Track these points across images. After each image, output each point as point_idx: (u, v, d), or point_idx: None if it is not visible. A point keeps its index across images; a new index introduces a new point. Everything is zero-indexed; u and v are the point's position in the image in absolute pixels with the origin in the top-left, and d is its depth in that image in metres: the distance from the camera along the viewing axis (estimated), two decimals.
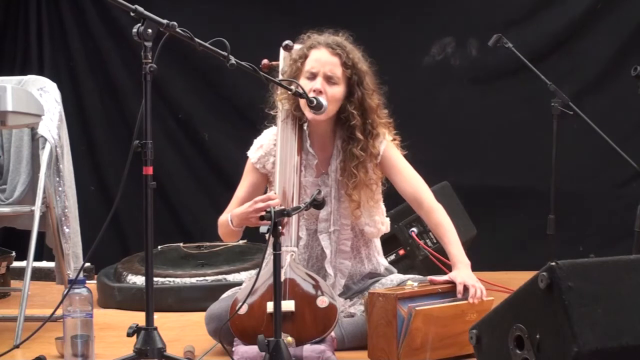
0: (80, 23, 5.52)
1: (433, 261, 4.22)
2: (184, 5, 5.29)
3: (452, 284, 3.18)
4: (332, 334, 3.11)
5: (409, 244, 4.33)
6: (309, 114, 3.30)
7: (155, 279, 3.85)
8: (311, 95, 3.23)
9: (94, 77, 5.54)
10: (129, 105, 5.43)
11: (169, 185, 5.43)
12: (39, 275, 4.93)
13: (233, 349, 3.06)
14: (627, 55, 5.15)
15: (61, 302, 3.06)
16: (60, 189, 3.87)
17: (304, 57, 3.33)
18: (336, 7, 5.18)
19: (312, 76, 3.30)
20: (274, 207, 2.81)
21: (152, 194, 2.73)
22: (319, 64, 3.30)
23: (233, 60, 2.85)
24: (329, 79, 3.29)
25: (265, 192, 3.41)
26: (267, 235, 2.77)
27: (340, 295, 3.38)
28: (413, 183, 3.40)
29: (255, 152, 3.44)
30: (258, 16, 5.40)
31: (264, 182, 3.46)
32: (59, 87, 3.96)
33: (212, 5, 5.43)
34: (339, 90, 3.31)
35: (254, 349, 2.90)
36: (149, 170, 2.73)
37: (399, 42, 5.28)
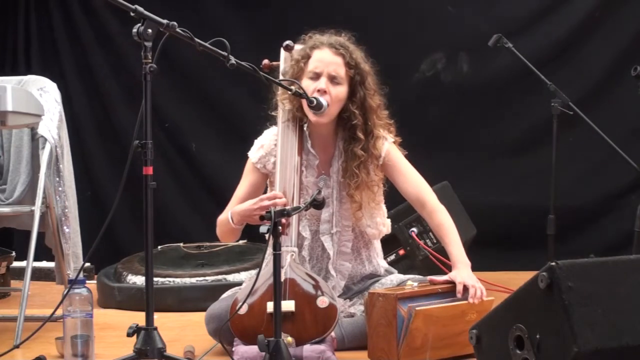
0: (69, 29, 5.47)
1: (433, 261, 4.22)
2: (182, 4, 5.27)
3: (452, 284, 3.18)
4: (332, 334, 3.11)
5: (409, 244, 4.33)
6: (312, 116, 3.30)
7: (155, 279, 3.85)
8: (315, 95, 3.24)
9: (82, 83, 5.50)
10: (117, 111, 5.41)
11: (156, 193, 5.33)
12: (39, 275, 4.94)
13: (233, 349, 3.07)
14: (626, 63, 4.97)
15: (61, 302, 3.06)
16: (60, 189, 3.87)
17: (306, 57, 3.33)
18: (322, 23, 5.13)
19: (316, 76, 3.29)
20: (274, 207, 2.81)
21: (152, 193, 2.73)
22: (322, 64, 3.30)
23: (233, 60, 2.84)
24: (332, 79, 3.29)
25: (265, 192, 3.41)
26: (267, 235, 2.77)
27: (340, 295, 3.38)
28: (416, 184, 3.40)
29: (256, 152, 3.44)
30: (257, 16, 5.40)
31: (264, 182, 3.46)
32: None
33: (211, 4, 5.42)
34: (342, 91, 3.31)
35: (254, 349, 2.90)
36: (149, 170, 2.73)
37: (387, 58, 5.20)
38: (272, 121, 3.47)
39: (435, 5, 5.37)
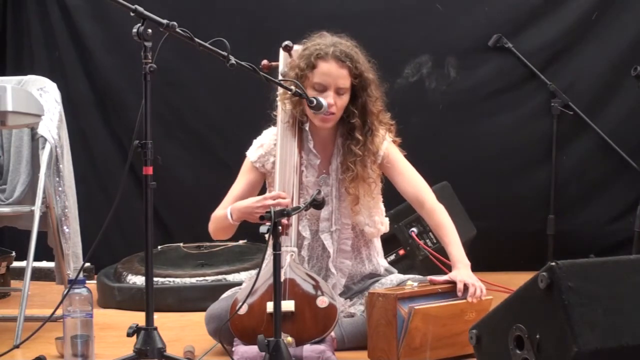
0: (47, 31, 5.37)
1: (433, 261, 4.22)
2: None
3: (452, 283, 3.18)
4: (332, 334, 3.11)
5: (409, 244, 4.33)
6: (318, 122, 3.31)
7: (155, 279, 3.86)
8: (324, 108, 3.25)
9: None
10: (87, 117, 5.27)
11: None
12: (39, 275, 4.93)
13: (233, 349, 3.07)
14: (624, 67, 4.91)
15: (61, 302, 3.06)
16: (60, 189, 3.87)
17: (311, 66, 3.31)
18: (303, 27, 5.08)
19: (322, 88, 3.29)
20: (274, 207, 2.82)
21: (152, 193, 2.73)
22: (330, 78, 3.29)
23: (233, 60, 2.84)
24: (338, 91, 3.30)
25: (263, 193, 3.41)
26: (266, 235, 2.77)
27: (340, 295, 3.38)
28: (414, 183, 3.40)
29: (255, 152, 3.44)
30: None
31: (261, 181, 3.46)
32: None
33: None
34: (346, 99, 3.33)
35: (254, 349, 2.90)
36: (149, 170, 2.74)
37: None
38: (270, 120, 3.47)
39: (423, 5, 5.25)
